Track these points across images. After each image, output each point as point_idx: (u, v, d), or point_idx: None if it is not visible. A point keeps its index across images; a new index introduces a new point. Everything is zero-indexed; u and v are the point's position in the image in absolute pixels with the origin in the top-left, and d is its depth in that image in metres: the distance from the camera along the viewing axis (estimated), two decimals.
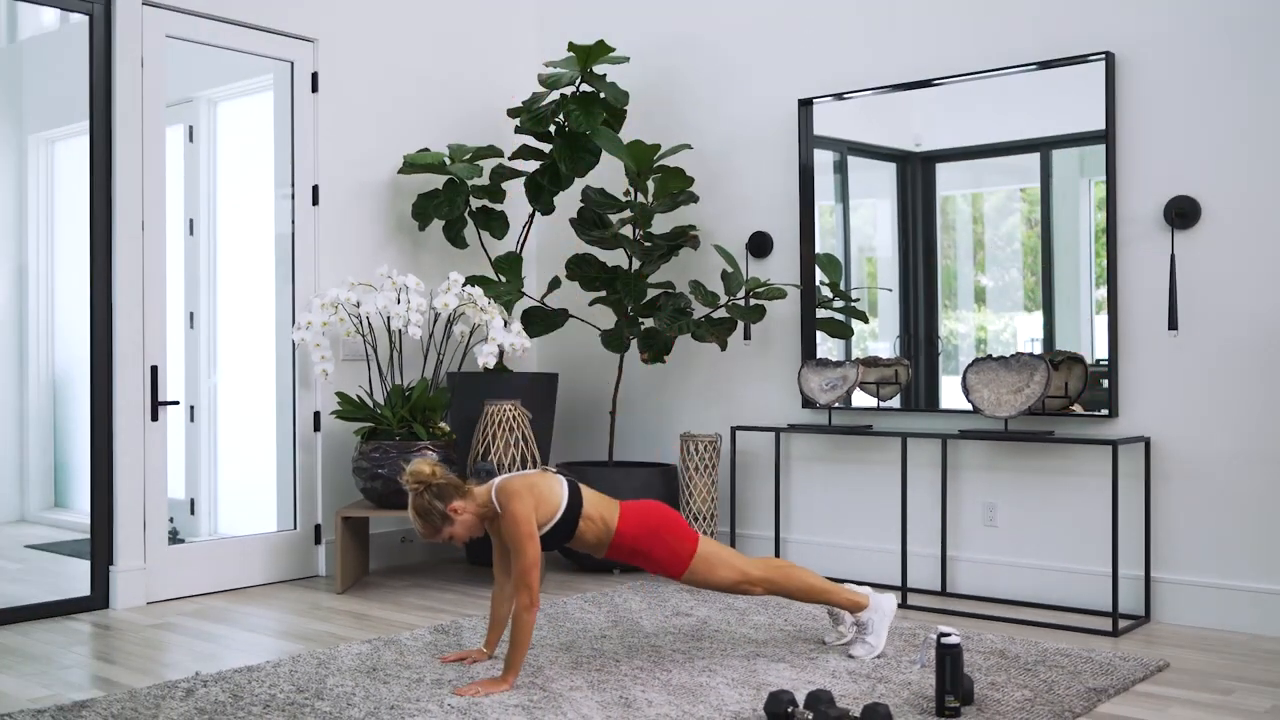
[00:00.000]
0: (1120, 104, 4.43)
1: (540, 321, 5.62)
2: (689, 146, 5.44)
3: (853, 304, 5.17)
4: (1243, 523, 4.19)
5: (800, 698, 3.27)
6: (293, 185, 5.31)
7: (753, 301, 5.27)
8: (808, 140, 5.24)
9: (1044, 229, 4.67)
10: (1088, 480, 4.50)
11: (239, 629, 4.33)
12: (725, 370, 5.57)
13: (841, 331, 5.20)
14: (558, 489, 3.59)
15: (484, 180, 5.79)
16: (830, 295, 5.21)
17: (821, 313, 5.23)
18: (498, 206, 5.73)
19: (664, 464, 5.58)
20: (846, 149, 5.26)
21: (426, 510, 3.51)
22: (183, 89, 5.30)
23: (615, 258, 5.79)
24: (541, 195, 5.57)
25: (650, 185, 5.44)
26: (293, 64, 5.30)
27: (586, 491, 3.66)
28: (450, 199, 5.46)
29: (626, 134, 5.76)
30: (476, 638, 4.06)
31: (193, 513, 5.46)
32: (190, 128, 5.47)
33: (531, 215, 5.77)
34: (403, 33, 5.71)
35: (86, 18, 4.63)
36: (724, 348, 5.31)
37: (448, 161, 5.44)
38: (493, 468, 4.95)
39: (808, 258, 5.24)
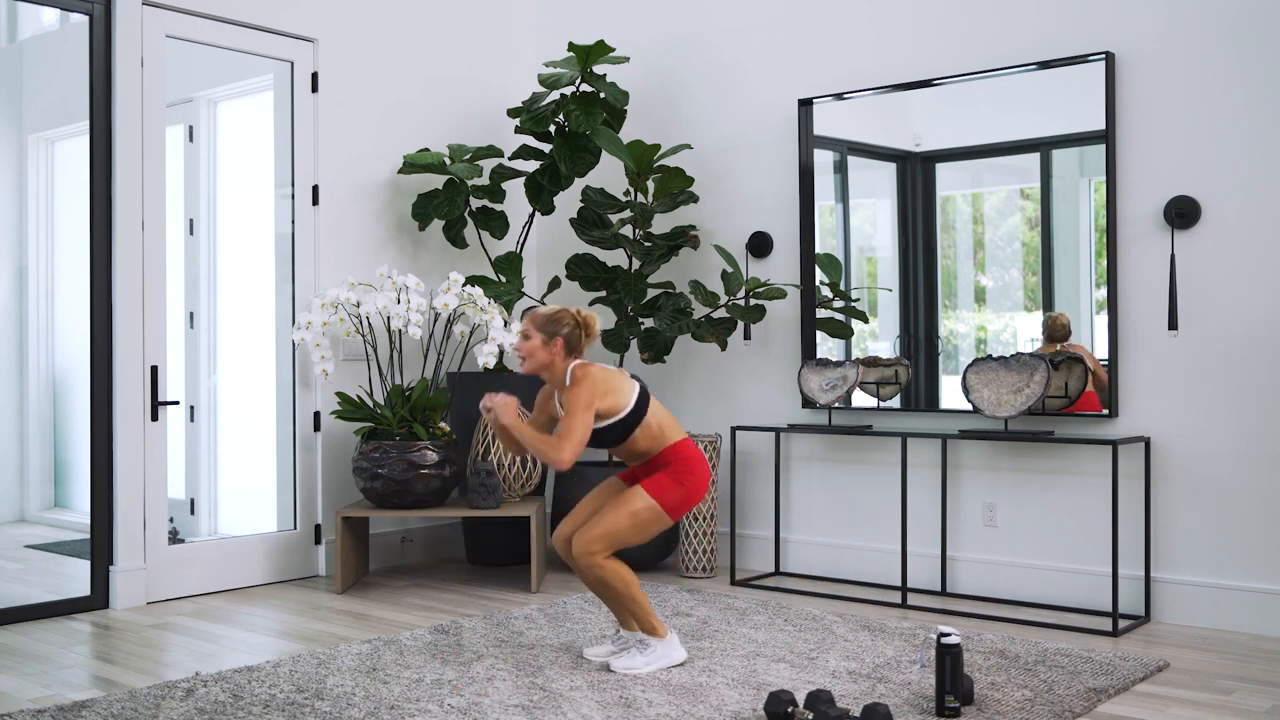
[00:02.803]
0: (1120, 104, 4.43)
1: None
2: (689, 146, 5.44)
3: (853, 304, 5.17)
4: (1243, 523, 4.19)
5: (800, 698, 3.27)
6: (292, 185, 5.31)
7: (753, 301, 5.27)
8: (808, 140, 5.24)
9: (1044, 229, 4.67)
10: (1088, 480, 4.50)
11: (239, 629, 4.33)
12: (725, 370, 5.57)
13: (841, 331, 5.20)
14: (629, 392, 3.67)
15: (484, 180, 5.79)
16: (830, 295, 5.21)
17: (821, 313, 5.23)
18: (498, 206, 5.73)
19: None
20: (846, 149, 5.26)
21: (560, 320, 3.70)
22: (183, 89, 5.30)
23: (615, 258, 5.79)
24: (541, 195, 5.57)
25: (650, 185, 5.44)
26: (293, 64, 5.30)
27: (655, 404, 3.74)
28: (450, 199, 5.46)
29: (626, 134, 5.76)
30: (477, 637, 4.06)
31: (193, 513, 5.46)
32: (190, 128, 5.47)
33: (531, 215, 5.77)
34: (403, 33, 5.71)
35: (86, 18, 4.63)
36: (724, 348, 5.31)
37: (448, 161, 5.44)
38: (493, 467, 4.98)
39: (808, 258, 5.24)
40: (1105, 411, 4.46)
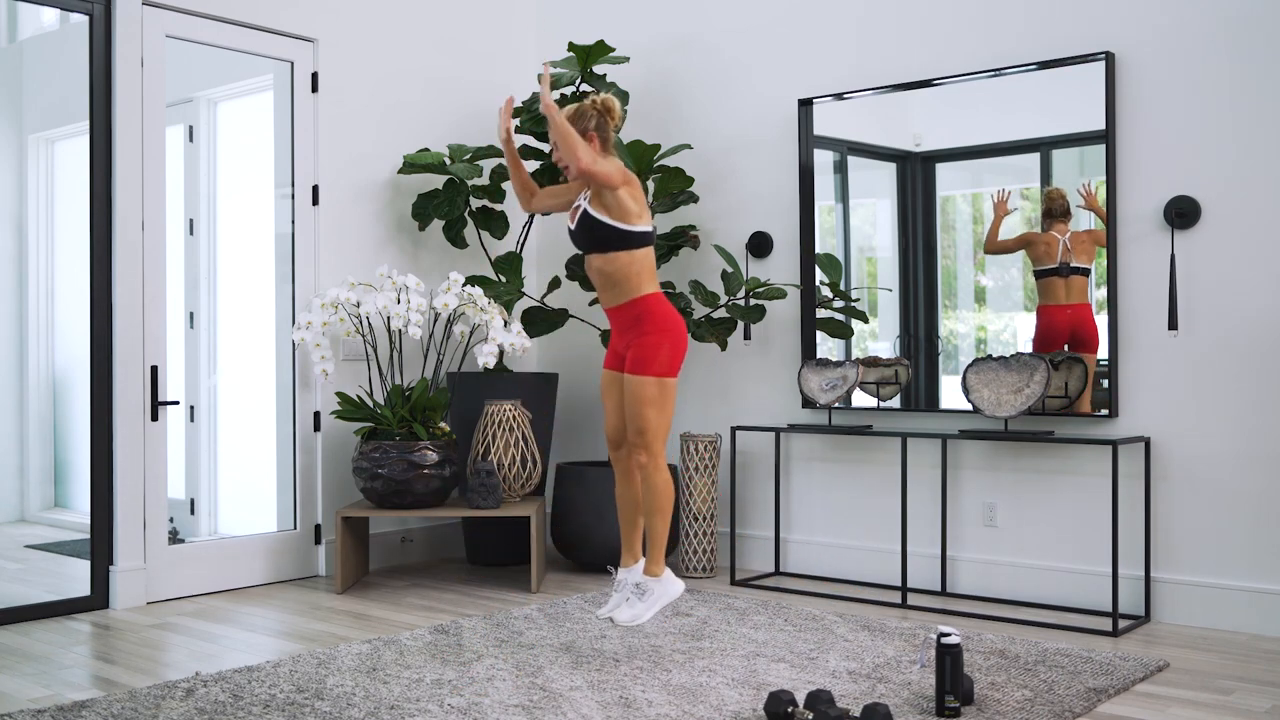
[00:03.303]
0: (1120, 104, 4.43)
1: (540, 321, 5.62)
2: (689, 146, 5.44)
3: (853, 304, 5.17)
4: (1243, 523, 4.19)
5: (800, 698, 3.27)
6: (292, 185, 5.31)
7: (753, 301, 5.27)
8: (808, 140, 5.24)
9: (1044, 229, 4.67)
10: (1088, 480, 4.50)
11: (239, 629, 4.33)
12: (725, 370, 5.57)
13: (841, 331, 5.20)
14: (647, 217, 3.74)
15: (484, 180, 5.79)
16: (830, 295, 5.21)
17: (821, 313, 5.23)
18: (498, 206, 5.73)
19: None
20: (846, 149, 5.26)
21: (584, 115, 3.74)
22: (183, 89, 5.30)
23: None
24: None
25: (650, 185, 5.44)
26: (293, 64, 5.30)
27: (651, 251, 3.79)
28: (450, 199, 5.46)
29: (626, 134, 5.76)
30: (477, 637, 4.06)
31: (193, 513, 5.46)
32: (190, 128, 5.47)
33: (531, 215, 5.77)
34: (403, 33, 5.71)
35: (86, 18, 4.63)
36: (724, 348, 5.31)
37: (448, 161, 5.44)
38: (493, 467, 4.98)
39: (808, 258, 5.24)
40: (1105, 411, 4.46)
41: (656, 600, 3.72)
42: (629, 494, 3.87)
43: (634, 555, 3.87)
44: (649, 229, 3.75)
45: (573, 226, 3.81)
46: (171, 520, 4.93)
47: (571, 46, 5.21)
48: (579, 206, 3.78)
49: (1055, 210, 4.50)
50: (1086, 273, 4.46)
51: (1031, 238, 4.53)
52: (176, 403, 4.95)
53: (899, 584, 4.87)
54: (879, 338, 5.11)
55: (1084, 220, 4.52)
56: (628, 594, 3.77)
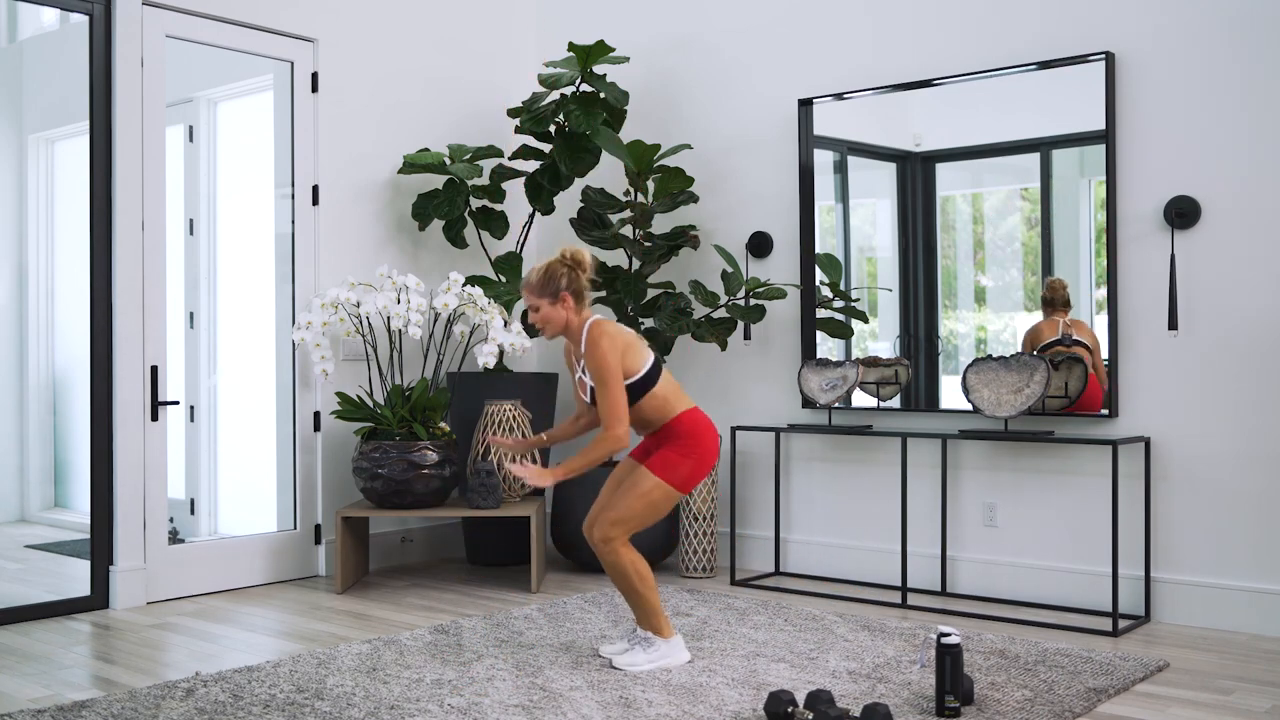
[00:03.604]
0: (1120, 104, 4.43)
1: None
2: (689, 146, 5.44)
3: (853, 304, 5.17)
4: (1243, 523, 4.19)
5: (800, 698, 3.27)
6: (292, 185, 5.31)
7: (753, 301, 5.27)
8: (808, 140, 5.24)
9: (1044, 229, 4.67)
10: (1088, 480, 4.50)
11: (239, 629, 4.33)
12: (725, 370, 5.57)
13: (841, 331, 5.20)
14: (645, 356, 3.68)
15: (484, 180, 5.79)
16: (830, 295, 5.21)
17: (821, 313, 5.23)
18: (498, 206, 5.73)
19: None
20: (846, 149, 5.26)
21: (554, 276, 3.66)
22: (183, 89, 5.30)
23: (615, 258, 5.79)
24: (541, 195, 5.57)
25: (650, 185, 5.44)
26: (293, 64, 5.30)
27: (666, 374, 3.74)
28: (450, 199, 5.46)
29: (626, 134, 5.76)
30: (477, 637, 4.06)
31: (193, 513, 5.46)
32: (190, 128, 5.47)
33: (531, 215, 5.77)
34: (403, 33, 5.71)
35: (86, 18, 4.63)
36: (724, 348, 5.30)
37: (448, 161, 5.44)
38: (493, 467, 4.98)
39: (808, 258, 5.24)
40: (1105, 411, 4.46)
41: (659, 658, 3.67)
42: (609, 569, 3.72)
43: (641, 623, 3.76)
44: (652, 363, 3.68)
45: (587, 399, 3.79)
46: (171, 520, 4.93)
47: (571, 46, 5.21)
48: (587, 383, 3.74)
49: (1056, 300, 4.57)
50: (1086, 346, 4.48)
51: (1036, 329, 4.62)
52: (176, 403, 4.95)
53: (899, 584, 4.87)
54: (879, 338, 5.11)
55: (1083, 311, 4.54)
56: (636, 642, 3.74)
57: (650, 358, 3.70)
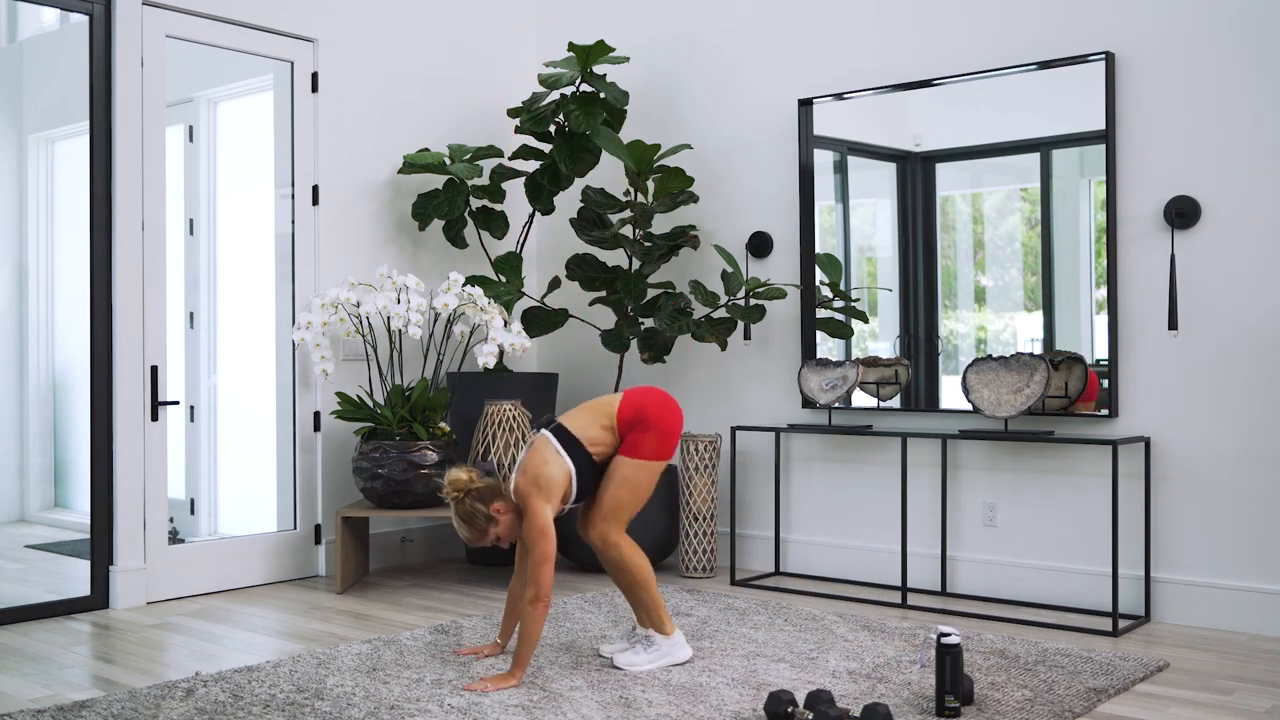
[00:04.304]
0: (1120, 104, 4.43)
1: (540, 321, 5.62)
2: (689, 146, 5.44)
3: (853, 304, 5.17)
4: (1243, 523, 4.19)
5: (800, 698, 3.27)
6: (292, 185, 5.31)
7: (753, 301, 5.27)
8: (808, 140, 5.24)
9: (1044, 229, 4.67)
10: (1088, 480, 4.50)
11: (239, 629, 4.33)
12: (725, 370, 5.57)
13: (841, 331, 5.20)
14: (557, 461, 3.59)
15: (484, 180, 5.79)
16: (830, 295, 5.21)
17: (821, 313, 5.23)
18: (498, 206, 5.73)
19: None
20: (846, 149, 5.26)
21: (470, 515, 3.56)
22: (183, 89, 5.30)
23: (615, 258, 5.79)
24: (541, 195, 5.57)
25: (650, 185, 5.44)
26: (293, 64, 5.30)
27: (576, 422, 3.66)
28: (450, 199, 5.46)
29: (626, 134, 5.76)
30: (477, 637, 4.06)
31: (193, 513, 5.46)
32: (190, 128, 5.47)
33: (531, 215, 5.77)
34: (403, 33, 5.71)
35: (86, 18, 4.63)
36: (724, 348, 5.30)
37: (448, 161, 5.44)
38: (493, 467, 4.97)
39: (808, 258, 5.24)
40: (1105, 411, 4.46)
41: (660, 656, 3.67)
42: (609, 566, 3.73)
43: (642, 622, 3.75)
44: (569, 466, 3.58)
45: (576, 503, 3.69)
46: (171, 520, 4.93)
47: (571, 46, 5.21)
48: (565, 508, 3.65)
49: None
50: None
51: None
52: (176, 403, 4.95)
53: (899, 584, 4.87)
54: (879, 338, 5.11)
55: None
56: (637, 640, 3.73)
57: (560, 452, 3.58)
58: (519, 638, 3.48)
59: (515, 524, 3.59)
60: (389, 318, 5.06)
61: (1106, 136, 4.42)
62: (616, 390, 5.58)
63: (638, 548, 3.70)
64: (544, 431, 3.68)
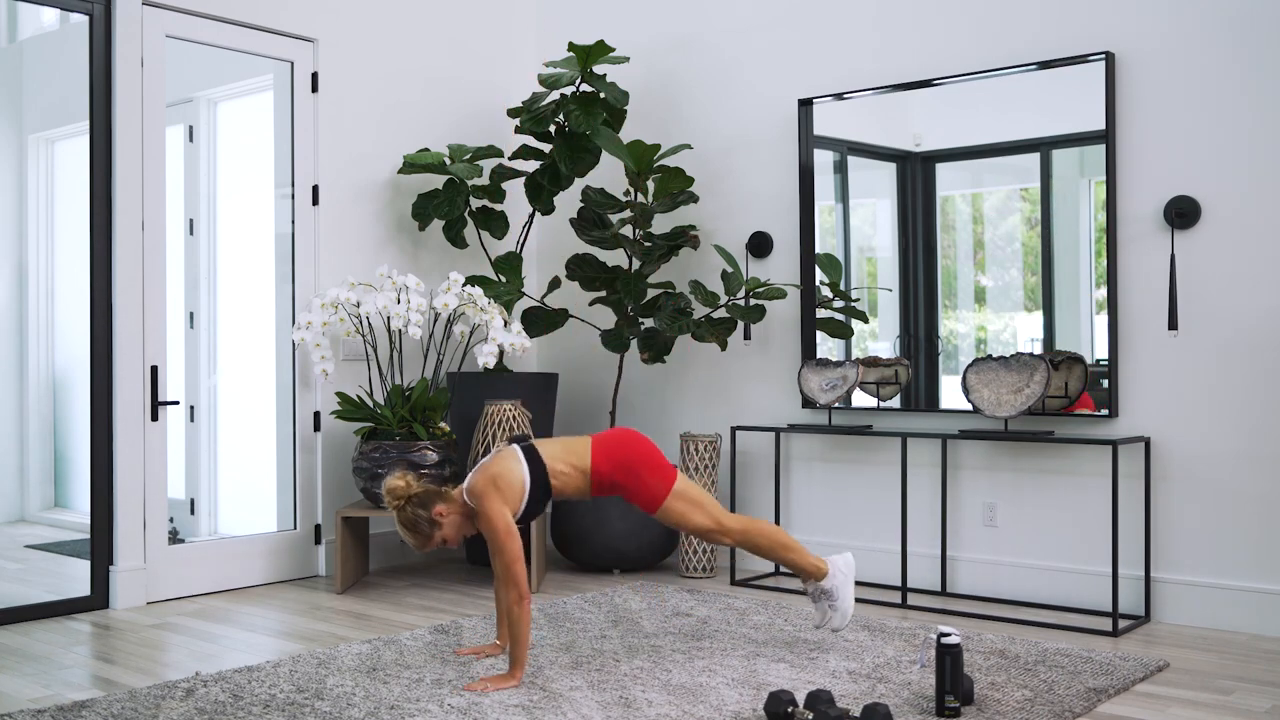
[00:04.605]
0: (1120, 104, 4.43)
1: (540, 321, 5.62)
2: (689, 146, 5.44)
3: (853, 304, 5.17)
4: (1243, 523, 4.19)
5: (800, 698, 3.27)
6: (292, 185, 5.31)
7: (753, 301, 5.27)
8: (808, 140, 5.24)
9: (1044, 229, 4.67)
10: (1088, 480, 4.50)
11: (239, 629, 4.33)
12: (725, 370, 5.57)
13: (841, 331, 5.20)
14: (517, 468, 3.60)
15: (484, 180, 5.79)
16: (830, 295, 5.21)
17: (821, 313, 5.23)
18: (498, 206, 5.73)
19: None
20: (846, 149, 5.26)
21: (413, 522, 3.57)
22: (183, 89, 5.30)
23: (615, 258, 5.79)
24: (541, 195, 5.57)
25: (650, 185, 5.44)
26: (293, 64, 5.30)
27: (547, 449, 3.68)
28: (450, 199, 5.46)
29: (626, 134, 5.76)
30: (477, 637, 4.06)
31: (193, 513, 5.46)
32: (190, 128, 5.47)
33: (531, 215, 5.77)
34: (403, 33, 5.71)
35: (86, 18, 4.63)
36: (724, 348, 5.30)
37: (448, 161, 5.44)
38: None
39: (808, 258, 5.24)
40: (1105, 411, 4.45)
41: (841, 585, 3.81)
42: (750, 550, 3.87)
43: (804, 572, 3.86)
44: (526, 478, 3.59)
45: (520, 521, 3.66)
46: (171, 520, 4.93)
47: (571, 46, 5.21)
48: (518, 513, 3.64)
49: None
50: None
51: None
52: (176, 403, 4.95)
53: (899, 584, 4.87)
54: (879, 338, 5.11)
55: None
56: (819, 599, 3.86)
57: (523, 462, 3.60)
58: (510, 638, 3.50)
59: (461, 525, 3.61)
60: (389, 318, 5.06)
61: (1106, 136, 4.42)
62: (616, 389, 5.59)
63: (756, 520, 3.84)
64: (513, 445, 3.70)
